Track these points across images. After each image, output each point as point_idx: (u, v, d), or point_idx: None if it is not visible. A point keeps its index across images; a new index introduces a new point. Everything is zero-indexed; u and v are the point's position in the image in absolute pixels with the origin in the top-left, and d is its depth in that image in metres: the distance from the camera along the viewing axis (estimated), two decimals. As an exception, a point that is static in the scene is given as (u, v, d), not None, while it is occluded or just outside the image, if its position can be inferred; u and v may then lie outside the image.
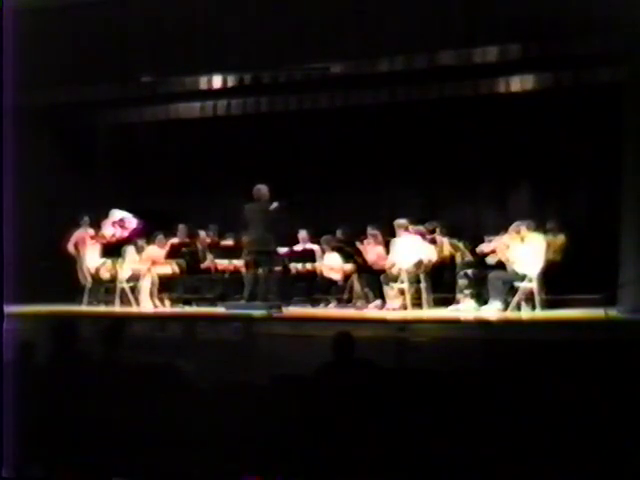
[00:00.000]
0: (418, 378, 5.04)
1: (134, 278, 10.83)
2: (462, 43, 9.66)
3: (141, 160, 12.82)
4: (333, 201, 12.45)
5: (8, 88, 4.80)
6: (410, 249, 9.92)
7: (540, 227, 9.79)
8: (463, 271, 9.84)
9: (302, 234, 11.30)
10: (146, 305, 10.67)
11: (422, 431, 4.33)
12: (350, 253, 10.45)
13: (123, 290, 10.76)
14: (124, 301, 10.73)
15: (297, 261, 10.84)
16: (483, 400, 4.51)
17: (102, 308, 10.80)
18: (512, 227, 9.47)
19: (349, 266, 10.48)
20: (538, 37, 9.27)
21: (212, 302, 11.02)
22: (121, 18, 10.85)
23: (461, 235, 10.46)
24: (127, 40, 10.86)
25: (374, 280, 10.14)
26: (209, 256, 11.30)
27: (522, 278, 9.22)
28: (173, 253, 11.05)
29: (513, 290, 9.28)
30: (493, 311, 9.14)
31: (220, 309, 10.15)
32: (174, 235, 11.39)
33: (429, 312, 9.63)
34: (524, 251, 9.31)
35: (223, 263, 11.12)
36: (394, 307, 9.79)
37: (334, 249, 10.76)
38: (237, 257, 10.86)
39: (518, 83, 10.73)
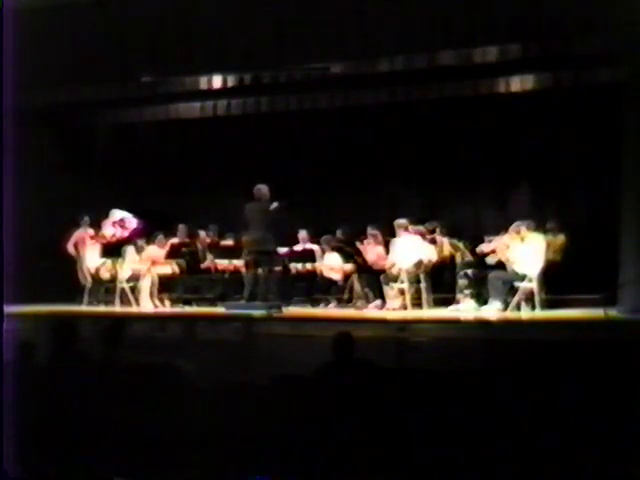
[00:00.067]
0: (418, 378, 5.04)
1: (134, 278, 10.83)
2: (462, 43, 9.66)
3: (141, 160, 12.82)
4: (333, 201, 12.46)
5: (8, 88, 4.80)
6: (410, 249, 9.92)
7: (540, 227, 9.79)
8: (463, 271, 9.84)
9: (302, 234, 11.30)
10: (146, 305, 10.67)
11: (422, 431, 4.33)
12: (350, 253, 10.45)
13: (123, 290, 10.76)
14: (124, 301, 10.73)
15: (297, 261, 10.84)
16: (483, 400, 4.51)
17: (102, 308, 10.80)
18: (512, 227, 9.47)
19: (349, 266, 10.48)
20: (538, 37, 9.27)
21: (212, 302, 11.03)
22: (121, 18, 10.85)
23: (461, 235, 10.46)
24: (127, 40, 10.86)
25: (374, 280, 10.14)
26: (209, 256, 11.30)
27: (522, 278, 9.22)
28: (173, 253, 11.05)
29: (513, 290, 9.28)
30: (493, 311, 9.14)
31: (220, 309, 10.15)
32: (174, 235, 11.40)
33: (429, 312, 9.63)
34: (524, 251, 9.31)
35: (223, 263, 11.12)
36: (394, 307, 9.79)
37: (334, 249, 10.76)
38: (237, 257, 10.86)
39: (518, 83, 10.73)
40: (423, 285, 9.89)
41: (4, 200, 4.71)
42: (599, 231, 10.14)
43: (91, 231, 11.37)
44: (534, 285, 9.17)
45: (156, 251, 10.97)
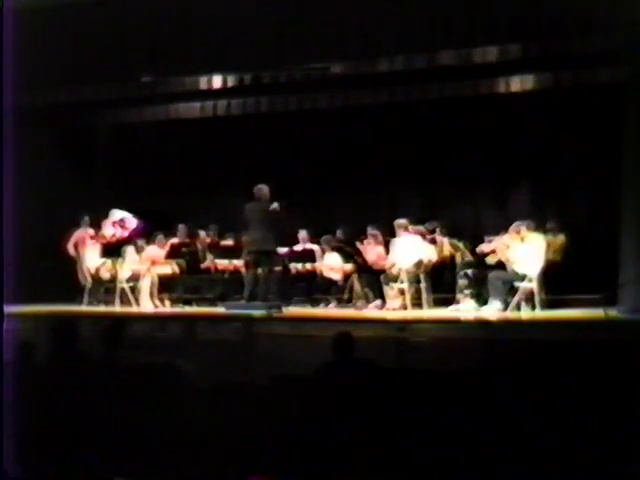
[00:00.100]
0: (418, 378, 5.04)
1: (134, 278, 10.82)
2: (462, 43, 9.66)
3: (141, 160, 12.82)
4: (333, 201, 12.46)
5: (8, 88, 4.80)
6: (410, 249, 9.92)
7: (540, 227, 9.79)
8: (463, 271, 9.84)
9: (302, 234, 11.30)
10: (146, 305, 10.67)
11: (422, 431, 4.33)
12: (350, 253, 10.45)
13: (123, 290, 10.76)
14: (124, 301, 10.72)
15: (297, 261, 10.84)
16: (483, 400, 4.51)
17: (102, 308, 10.79)
18: (512, 227, 9.47)
19: (349, 266, 10.48)
20: (538, 37, 9.27)
21: (212, 302, 11.02)
22: (121, 18, 10.85)
23: (461, 235, 10.47)
24: (127, 40, 10.85)
25: (374, 280, 10.13)
26: (209, 256, 11.30)
27: (522, 278, 9.22)
28: (173, 253, 11.05)
29: (513, 290, 9.28)
30: (493, 311, 9.14)
31: (220, 309, 10.15)
32: (174, 235, 11.39)
33: (429, 312, 9.63)
34: (524, 251, 9.31)
35: (223, 263, 11.12)
36: (394, 307, 9.79)
37: (334, 249, 10.76)
38: (237, 257, 10.87)
39: (518, 83, 10.74)
40: (423, 285, 9.89)
41: (4, 200, 4.70)
42: (599, 231, 10.14)
43: (91, 231, 11.36)
44: (534, 285, 9.17)
45: (156, 251, 10.97)
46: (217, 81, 11.14)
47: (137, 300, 10.72)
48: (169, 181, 12.64)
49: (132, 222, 11.21)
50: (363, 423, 4.39)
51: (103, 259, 11.14)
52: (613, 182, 9.10)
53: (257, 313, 9.26)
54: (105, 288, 11.15)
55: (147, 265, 10.80)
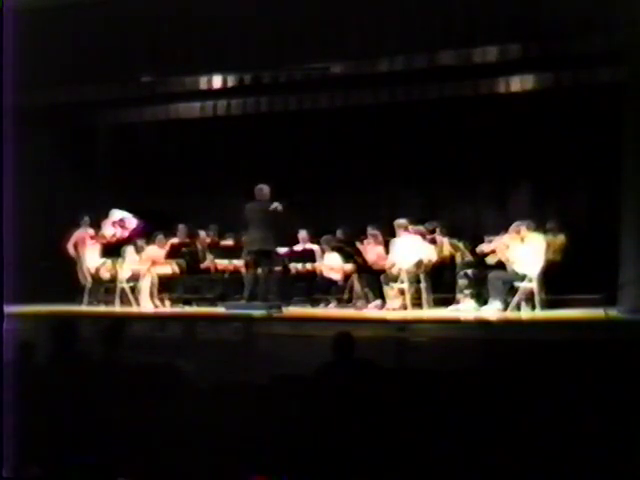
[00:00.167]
0: (418, 378, 5.04)
1: (134, 278, 10.82)
2: (462, 43, 9.66)
3: (141, 160, 12.82)
4: (333, 201, 12.46)
5: (8, 88, 4.80)
6: (410, 249, 9.92)
7: (540, 227, 9.79)
8: (463, 271, 9.84)
9: (302, 234, 11.30)
10: (146, 305, 10.67)
11: (422, 431, 4.33)
12: (350, 253, 10.44)
13: (123, 290, 10.76)
14: (124, 301, 10.72)
15: (297, 261, 10.84)
16: (483, 400, 4.51)
17: (102, 308, 10.79)
18: (512, 227, 9.47)
19: (349, 266, 10.48)
20: (538, 37, 9.27)
21: (212, 302, 11.02)
22: (121, 18, 10.85)
23: (461, 235, 10.46)
24: (127, 40, 10.86)
25: (374, 280, 10.13)
26: (209, 256, 11.29)
27: (522, 278, 9.22)
28: (173, 253, 11.05)
29: (513, 290, 9.27)
30: (493, 311, 9.14)
31: (220, 309, 10.15)
32: (174, 235, 11.39)
33: (429, 312, 9.63)
34: (524, 251, 9.31)
35: (223, 263, 11.12)
36: (394, 307, 9.79)
37: (334, 249, 10.76)
38: (237, 257, 10.87)
39: (518, 83, 10.74)
40: (423, 285, 9.89)
41: (4, 200, 4.71)
42: (599, 231, 10.14)
43: (91, 231, 11.36)
44: (534, 285, 9.16)
45: (156, 251, 10.97)
46: (217, 81, 11.14)
47: (137, 300, 10.72)
48: (169, 181, 12.65)
49: (132, 222, 11.21)
50: (363, 423, 4.39)
51: (103, 259, 11.14)
52: (613, 182, 9.10)
53: (257, 313, 9.26)
54: (105, 288, 11.15)
55: (147, 265, 10.79)
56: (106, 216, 11.33)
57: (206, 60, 10.76)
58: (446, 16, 9.62)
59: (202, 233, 11.66)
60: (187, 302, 11.09)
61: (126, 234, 11.16)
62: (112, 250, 11.07)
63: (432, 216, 10.95)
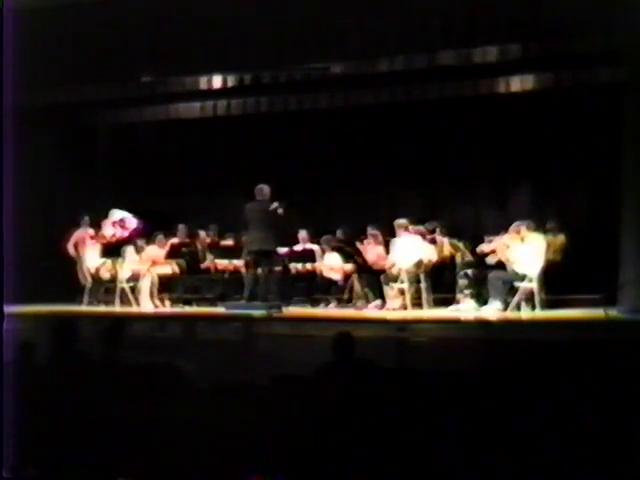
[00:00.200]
0: (418, 378, 5.04)
1: (134, 278, 10.82)
2: (462, 43, 9.66)
3: (141, 160, 12.82)
4: (333, 201, 12.46)
5: (8, 88, 4.80)
6: (410, 249, 9.92)
7: (540, 227, 9.79)
8: (463, 271, 9.84)
9: (302, 234, 11.30)
10: (146, 305, 10.67)
11: (422, 431, 4.33)
12: (350, 253, 10.44)
13: (123, 290, 10.76)
14: (124, 301, 10.72)
15: (297, 261, 10.83)
16: (483, 400, 4.51)
17: (102, 308, 10.79)
18: (512, 227, 9.47)
19: (349, 266, 10.48)
20: (538, 37, 9.27)
21: (212, 302, 11.02)
22: (121, 18, 10.85)
23: (461, 235, 10.46)
24: (127, 40, 10.86)
25: (374, 280, 10.13)
26: (209, 256, 11.29)
27: (522, 278, 9.22)
28: (173, 253, 11.05)
29: (513, 290, 9.27)
30: (493, 311, 9.14)
31: (220, 309, 10.15)
32: (174, 235, 11.39)
33: (429, 312, 9.63)
34: (524, 251, 9.31)
35: (223, 263, 11.12)
36: (394, 307, 9.79)
37: (334, 249, 10.76)
38: (237, 257, 10.87)
39: (518, 83, 10.74)
40: (423, 285, 9.89)
41: (4, 200, 4.71)
42: (599, 231, 10.14)
43: (91, 231, 11.36)
44: (534, 285, 9.16)
45: (156, 251, 10.96)
46: (217, 81, 11.14)
47: (137, 300, 10.72)
48: (169, 181, 12.65)
49: (132, 222, 11.20)
50: (363, 423, 4.39)
51: (103, 259, 11.13)
52: (613, 182, 9.10)
53: (257, 313, 9.26)
54: (105, 288, 11.15)
55: (147, 265, 10.79)
56: (106, 216, 11.33)
57: (206, 60, 10.76)
58: (446, 16, 9.62)
59: (202, 233, 11.66)
60: (187, 302, 11.09)
61: (126, 234, 11.15)
62: (112, 250, 11.06)
63: (432, 216, 10.95)
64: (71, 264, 11.35)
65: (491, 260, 9.54)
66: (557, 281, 9.38)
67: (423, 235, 10.16)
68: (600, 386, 4.53)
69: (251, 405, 4.58)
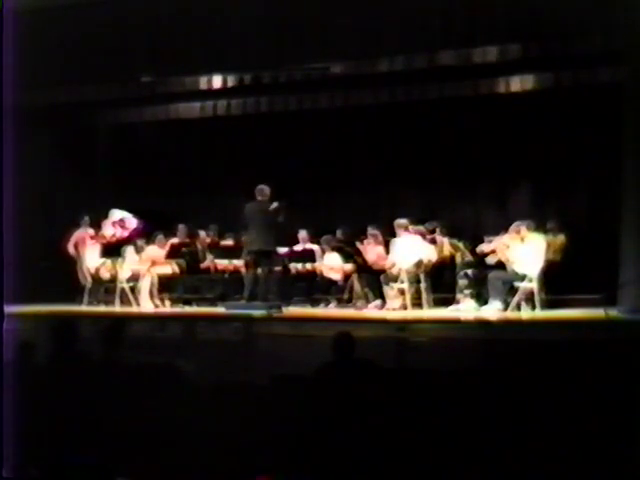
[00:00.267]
0: (418, 378, 5.05)
1: (134, 278, 10.82)
2: (462, 43, 9.66)
3: (141, 160, 12.82)
4: (333, 201, 12.46)
5: (8, 88, 4.80)
6: (410, 249, 9.91)
7: (540, 227, 9.79)
8: (463, 271, 9.84)
9: (302, 234, 11.29)
10: (146, 305, 10.67)
11: (422, 431, 4.33)
12: (350, 253, 10.44)
13: (123, 290, 10.75)
14: (124, 301, 10.72)
15: (297, 261, 10.83)
16: (483, 400, 4.51)
17: (102, 308, 10.79)
18: (512, 227, 9.46)
19: (349, 266, 10.47)
20: (538, 37, 9.27)
21: (212, 302, 11.02)
22: (121, 18, 10.85)
23: (461, 235, 10.46)
24: (127, 40, 10.86)
25: (374, 280, 10.13)
26: (209, 256, 11.30)
27: (522, 278, 9.22)
28: (173, 253, 11.04)
29: (513, 290, 9.27)
30: (493, 311, 9.14)
31: (220, 309, 10.15)
32: (174, 235, 11.39)
33: (429, 312, 9.63)
34: (524, 251, 9.31)
35: (223, 263, 11.12)
36: (394, 307, 9.78)
37: (334, 249, 10.76)
38: (237, 257, 10.87)
39: (518, 83, 10.73)
40: (423, 285, 9.89)
41: (4, 200, 4.71)
42: (599, 231, 10.14)
43: (91, 231, 11.36)
44: (534, 285, 9.16)
45: (156, 251, 10.96)
46: (217, 81, 11.15)
47: (137, 300, 10.72)
48: (169, 181, 12.64)
49: (132, 222, 11.20)
50: (363, 423, 4.39)
51: (103, 259, 11.13)
52: (613, 182, 9.09)
53: (257, 313, 9.26)
54: (105, 288, 11.15)
55: (147, 265, 10.79)
56: (106, 216, 11.33)
57: (206, 60, 10.77)
58: (446, 16, 9.62)
59: (202, 233, 11.66)
60: (187, 302, 11.09)
61: (126, 234, 11.15)
62: (112, 250, 11.06)
63: (432, 216, 10.95)
64: (71, 264, 11.35)
65: (491, 260, 9.54)
66: (557, 281, 9.38)
67: (423, 235, 10.16)
68: (600, 386, 4.53)
69: (251, 405, 4.58)
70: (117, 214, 11.26)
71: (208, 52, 10.69)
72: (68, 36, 10.97)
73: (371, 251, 10.34)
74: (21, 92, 5.59)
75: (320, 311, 10.40)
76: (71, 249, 11.38)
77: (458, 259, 10.06)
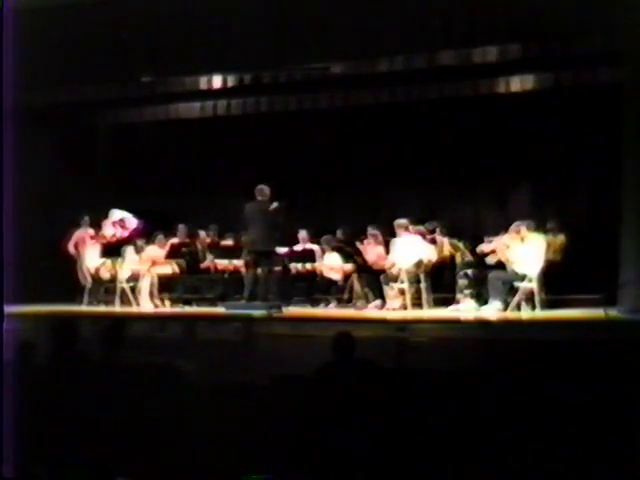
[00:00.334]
0: (418, 378, 5.05)
1: (134, 278, 10.82)
2: (462, 43, 9.66)
3: (141, 160, 12.82)
4: (333, 201, 12.46)
5: (8, 88, 4.80)
6: (410, 249, 9.91)
7: (540, 227, 9.79)
8: (463, 271, 9.84)
9: (302, 234, 11.29)
10: (146, 305, 10.67)
11: (422, 431, 4.33)
12: (350, 253, 10.44)
13: (123, 290, 10.76)
14: (124, 301, 10.72)
15: (297, 261, 10.83)
16: (483, 400, 4.51)
17: (102, 308, 10.79)
18: (512, 227, 9.46)
19: (349, 266, 10.47)
20: (538, 37, 9.27)
21: (212, 302, 11.02)
22: (121, 18, 10.85)
23: (461, 235, 10.46)
24: (127, 40, 10.86)
25: (374, 280, 10.13)
26: (209, 256, 11.30)
27: (522, 278, 9.22)
28: (173, 253, 11.04)
29: (513, 290, 9.27)
30: (493, 311, 9.14)
31: (220, 309, 10.15)
32: (174, 235, 11.39)
33: (429, 312, 9.63)
34: (524, 251, 9.31)
35: (223, 263, 11.12)
36: (394, 307, 9.78)
37: (334, 249, 10.76)
38: (237, 257, 10.87)
39: (518, 83, 10.72)
40: (423, 285, 9.89)
41: (4, 200, 4.71)
42: (599, 231, 10.14)
43: (91, 231, 11.36)
44: (534, 285, 9.16)
45: (156, 251, 10.96)
46: (217, 81, 11.15)
47: (137, 300, 10.72)
48: (169, 181, 12.64)
49: (132, 222, 11.20)
50: (363, 423, 4.39)
51: (103, 259, 11.13)
52: (613, 182, 9.09)
53: (257, 313, 9.26)
54: (105, 288, 11.15)
55: (147, 265, 10.79)
56: (106, 216, 11.33)
57: (206, 60, 10.77)
58: (446, 16, 9.62)
59: (202, 233, 11.66)
60: (187, 302, 11.09)
61: (126, 234, 11.15)
62: (112, 250, 11.06)
63: (432, 216, 10.95)
64: (71, 264, 11.35)
65: (491, 260, 9.54)
66: (557, 281, 9.37)
67: (423, 235, 10.16)
68: (600, 386, 4.53)
69: (251, 405, 4.58)
70: (117, 214, 11.26)
71: (208, 52, 10.70)
72: (68, 36, 10.97)
73: (371, 251, 10.34)
74: (21, 92, 5.59)
75: (320, 311, 10.40)
76: (71, 249, 11.38)
77: (458, 259, 10.06)
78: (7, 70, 4.78)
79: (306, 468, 4.30)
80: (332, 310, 10.46)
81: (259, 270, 9.88)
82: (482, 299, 9.53)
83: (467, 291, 9.71)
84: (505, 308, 9.17)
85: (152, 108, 12.40)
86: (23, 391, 4.45)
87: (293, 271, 10.83)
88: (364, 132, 11.89)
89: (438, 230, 10.34)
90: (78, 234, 11.41)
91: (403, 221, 10.10)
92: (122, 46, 10.83)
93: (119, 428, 4.51)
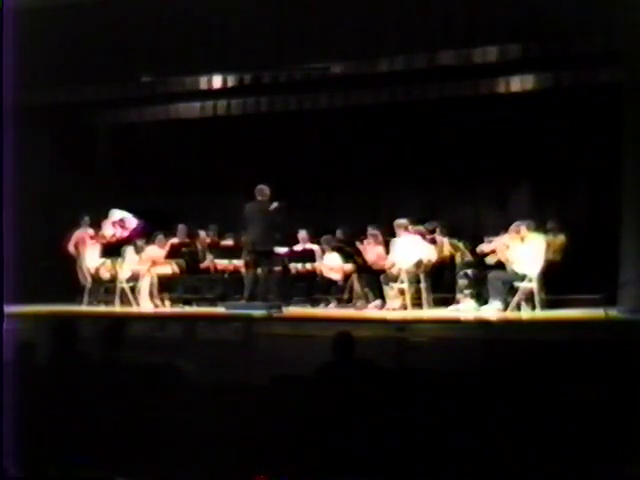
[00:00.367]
0: (418, 378, 5.05)
1: (134, 278, 10.82)
2: (462, 43, 9.66)
3: (141, 160, 12.82)
4: (333, 201, 12.46)
5: (8, 88, 4.80)
6: (410, 249, 9.92)
7: (540, 227, 9.79)
8: (463, 271, 9.84)
9: (302, 234, 11.29)
10: (146, 305, 10.67)
11: (422, 431, 4.33)
12: (350, 253, 10.44)
13: (123, 290, 10.75)
14: (124, 301, 10.72)
15: (297, 261, 10.83)
16: (483, 400, 4.51)
17: (102, 308, 10.79)
18: (512, 227, 9.46)
19: (349, 266, 10.47)
20: (538, 37, 9.27)
21: (212, 302, 11.02)
22: (121, 18, 10.85)
23: (461, 235, 10.46)
24: (127, 40, 10.86)
25: (374, 280, 10.13)
26: (209, 256, 11.30)
27: (522, 278, 9.22)
28: (173, 253, 11.04)
29: (513, 290, 9.27)
30: (493, 311, 9.14)
31: (220, 309, 10.15)
32: (174, 235, 11.39)
33: (429, 312, 9.63)
34: (524, 251, 9.31)
35: (223, 263, 11.12)
36: (394, 307, 9.79)
37: (334, 249, 10.76)
38: (237, 257, 10.87)
39: (518, 83, 10.73)
40: (423, 285, 9.89)
41: (4, 200, 4.71)
42: (599, 231, 10.14)
43: (91, 231, 11.36)
44: (534, 285, 9.16)
45: (156, 251, 10.96)
46: (217, 81, 11.14)
47: (137, 300, 10.72)
48: (169, 181, 12.64)
49: (132, 222, 11.20)
50: (363, 423, 4.39)
51: (103, 259, 11.13)
52: (613, 182, 9.09)
53: (257, 313, 9.26)
54: (105, 288, 11.14)
55: (147, 265, 10.79)
56: (106, 216, 11.33)
57: (206, 60, 10.77)
58: (446, 16, 9.62)
59: (202, 233, 11.66)
60: (187, 302, 11.09)
61: (126, 234, 11.15)
62: (112, 250, 11.06)
63: (432, 216, 10.95)
64: (71, 264, 11.35)
65: (491, 260, 9.54)
66: (557, 281, 9.37)
67: (423, 235, 10.16)
68: (600, 386, 4.53)
69: (251, 405, 4.58)
70: (117, 214, 11.26)
71: (208, 52, 10.69)
72: (68, 36, 10.98)
73: (371, 251, 10.34)
74: (21, 92, 5.59)
75: (320, 311, 10.40)
76: (71, 249, 11.38)
77: (458, 259, 10.06)
78: (7, 70, 4.78)
79: (306, 468, 4.30)
80: (332, 310, 10.46)
81: (259, 270, 9.88)
82: (482, 299, 9.53)
83: (467, 291, 9.71)
84: (505, 308, 9.17)
85: (152, 108, 12.40)
86: (23, 391, 4.45)
87: (293, 271, 10.83)
88: (364, 132, 11.89)
89: (438, 230, 10.34)
90: (78, 234, 11.41)
91: (403, 221, 10.10)
92: (122, 46, 10.82)
93: (119, 428, 4.51)
